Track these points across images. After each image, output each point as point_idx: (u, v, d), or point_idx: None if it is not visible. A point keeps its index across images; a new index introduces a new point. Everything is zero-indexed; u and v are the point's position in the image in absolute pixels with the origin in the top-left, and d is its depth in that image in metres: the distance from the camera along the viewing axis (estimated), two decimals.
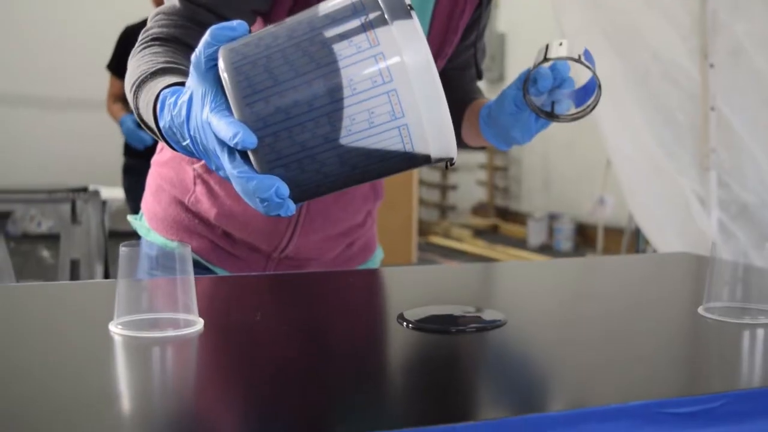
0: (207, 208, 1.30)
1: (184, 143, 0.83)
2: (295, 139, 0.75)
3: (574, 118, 1.11)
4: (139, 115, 0.96)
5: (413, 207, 6.37)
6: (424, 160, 0.77)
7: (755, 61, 2.50)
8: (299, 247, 1.33)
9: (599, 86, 1.08)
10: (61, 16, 5.93)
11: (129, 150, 3.82)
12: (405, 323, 0.95)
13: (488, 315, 0.97)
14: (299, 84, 0.74)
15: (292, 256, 1.34)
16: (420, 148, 0.75)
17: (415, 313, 0.98)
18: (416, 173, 6.54)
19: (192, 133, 0.81)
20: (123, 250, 0.89)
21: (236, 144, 0.74)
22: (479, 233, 7.81)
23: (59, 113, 5.86)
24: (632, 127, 2.71)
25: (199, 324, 0.91)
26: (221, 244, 1.32)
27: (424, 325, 0.94)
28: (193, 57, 0.80)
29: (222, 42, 0.78)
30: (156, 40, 1.08)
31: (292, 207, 0.77)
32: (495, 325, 0.94)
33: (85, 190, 3.58)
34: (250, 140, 0.74)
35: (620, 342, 0.92)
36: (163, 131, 0.87)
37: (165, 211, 1.34)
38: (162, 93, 0.88)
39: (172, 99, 0.85)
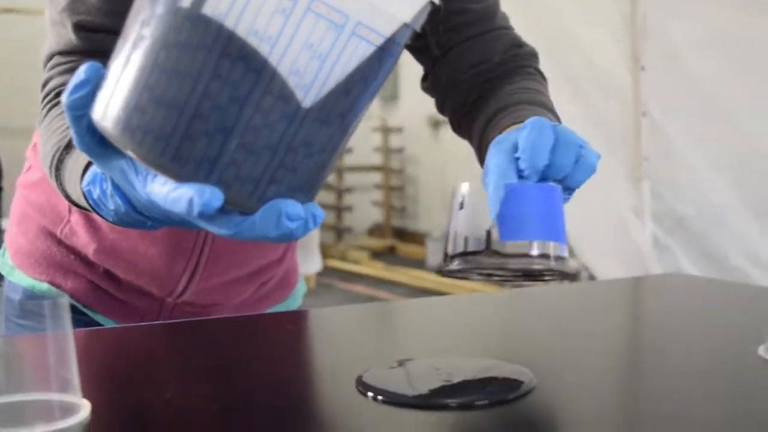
0: (84, 242, 1.05)
1: (150, 225, 0.65)
2: (257, 148, 0.53)
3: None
4: (74, 203, 0.77)
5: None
6: (408, 34, 0.56)
7: (691, 63, 2.35)
8: (199, 292, 1.07)
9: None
10: None
11: None
12: (369, 393, 0.67)
13: (499, 373, 0.71)
14: (207, 82, 0.52)
15: (191, 302, 1.08)
16: (393, 29, 0.55)
17: (380, 377, 0.70)
18: None
19: (148, 214, 0.62)
20: None
21: (200, 213, 0.53)
22: (377, 255, 7.63)
23: None
24: None
25: (84, 410, 0.62)
26: (103, 285, 1.07)
27: (401, 396, 0.66)
28: (74, 140, 0.59)
29: (87, 107, 0.57)
30: (61, 95, 0.86)
31: (317, 213, 0.57)
32: (520, 391, 0.66)
33: None
34: (214, 198, 0.53)
35: (681, 405, 0.67)
36: (120, 225, 0.68)
37: (32, 244, 1.08)
38: (85, 189, 0.69)
39: (98, 191, 0.66)
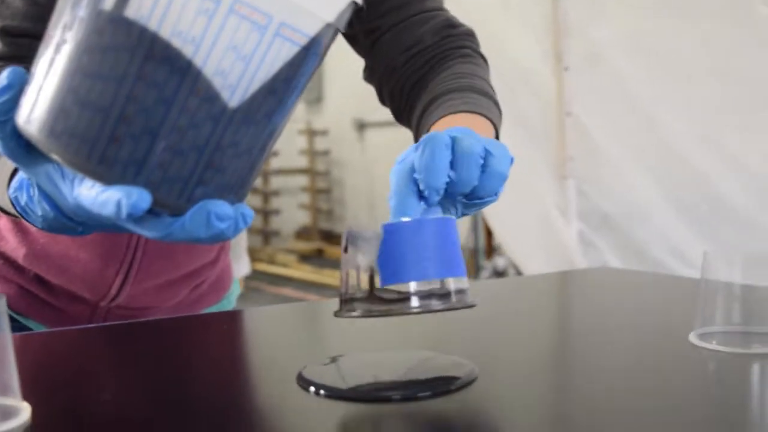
0: (13, 246, 1.02)
1: (80, 230, 0.63)
2: (184, 149, 0.53)
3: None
4: (3, 210, 0.76)
5: None
6: (332, 34, 0.57)
7: (614, 62, 2.40)
8: (132, 296, 1.06)
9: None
10: None
11: None
12: (311, 388, 0.67)
13: (439, 364, 0.72)
14: (131, 85, 0.52)
15: (124, 305, 1.07)
16: (317, 29, 0.55)
17: (320, 372, 0.71)
18: None
19: (76, 219, 0.60)
20: None
21: (129, 215, 0.53)
22: (304, 258, 7.60)
23: None
24: None
25: (24, 412, 0.61)
26: (34, 290, 1.05)
27: (342, 390, 0.67)
28: None
29: (11, 112, 0.56)
30: None
31: (247, 213, 0.56)
32: (460, 383, 0.67)
33: None
34: (141, 200, 0.52)
35: (616, 393, 0.68)
36: (49, 231, 0.66)
37: None
38: (12, 196, 0.67)
39: (25, 198, 0.64)
